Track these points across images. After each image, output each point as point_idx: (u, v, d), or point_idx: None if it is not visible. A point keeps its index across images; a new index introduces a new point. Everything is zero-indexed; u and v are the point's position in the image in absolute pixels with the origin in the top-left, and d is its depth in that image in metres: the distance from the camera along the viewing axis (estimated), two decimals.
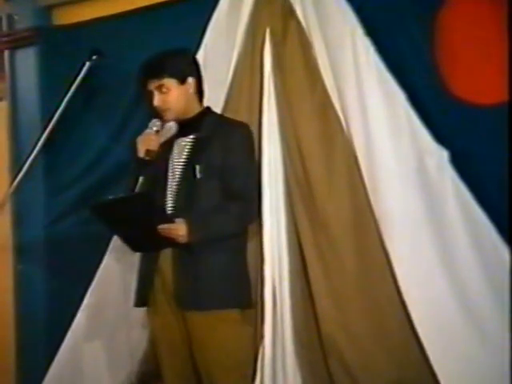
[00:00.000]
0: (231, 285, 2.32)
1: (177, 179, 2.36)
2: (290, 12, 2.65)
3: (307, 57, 2.62)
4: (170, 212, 2.33)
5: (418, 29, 2.49)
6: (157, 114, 2.43)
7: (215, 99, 2.62)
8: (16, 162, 3.32)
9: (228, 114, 2.60)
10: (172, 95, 2.37)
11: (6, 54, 3.38)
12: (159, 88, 2.36)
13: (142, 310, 2.81)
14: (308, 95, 2.60)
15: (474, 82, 2.43)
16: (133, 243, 2.37)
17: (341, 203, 2.52)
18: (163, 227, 2.23)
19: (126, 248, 2.84)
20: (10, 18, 3.37)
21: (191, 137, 2.40)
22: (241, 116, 2.59)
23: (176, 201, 2.34)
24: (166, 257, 2.32)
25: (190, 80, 2.40)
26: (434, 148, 2.44)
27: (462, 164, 2.41)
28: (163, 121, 2.41)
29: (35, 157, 3.10)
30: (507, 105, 2.34)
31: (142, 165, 2.36)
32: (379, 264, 2.47)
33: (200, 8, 2.78)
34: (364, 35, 2.52)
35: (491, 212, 2.36)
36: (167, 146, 2.42)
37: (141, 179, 2.32)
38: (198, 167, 2.31)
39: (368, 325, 2.49)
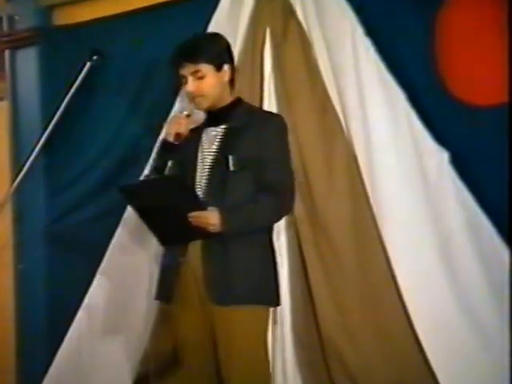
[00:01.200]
0: (264, 279, 2.26)
1: (207, 169, 2.27)
2: (290, 12, 2.65)
3: (307, 57, 2.61)
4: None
5: (418, 29, 2.48)
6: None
7: None
8: (16, 162, 3.32)
9: None
10: (207, 82, 2.26)
11: (7, 53, 3.38)
12: (194, 73, 2.25)
13: (142, 311, 2.84)
14: (308, 95, 2.60)
15: (475, 82, 2.42)
16: (161, 234, 2.28)
17: (340, 203, 2.52)
18: (194, 215, 2.14)
19: (126, 248, 2.89)
20: (10, 18, 3.37)
21: (222, 127, 2.30)
22: None
23: (206, 191, 2.24)
24: (196, 251, 2.24)
25: (226, 67, 2.30)
26: (434, 149, 2.43)
27: (462, 165, 2.41)
28: (199, 109, 2.33)
29: (36, 156, 3.10)
30: (507, 105, 2.33)
31: (169, 149, 2.27)
32: (379, 265, 2.46)
33: (200, 8, 2.78)
34: (364, 35, 2.51)
35: (491, 213, 2.36)
36: (195, 135, 2.33)
37: (170, 163, 2.23)
38: (231, 158, 2.22)
39: (368, 326, 2.48)
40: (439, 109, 2.45)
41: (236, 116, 2.31)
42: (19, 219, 3.35)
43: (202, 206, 2.18)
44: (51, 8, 3.30)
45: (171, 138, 2.29)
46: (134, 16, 3.02)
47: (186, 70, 2.27)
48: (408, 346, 2.42)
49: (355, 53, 2.51)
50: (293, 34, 2.64)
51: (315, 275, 2.53)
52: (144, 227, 2.76)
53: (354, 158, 2.52)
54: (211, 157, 2.28)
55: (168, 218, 2.19)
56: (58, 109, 3.04)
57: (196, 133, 2.35)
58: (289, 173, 2.30)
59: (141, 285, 2.85)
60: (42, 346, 3.19)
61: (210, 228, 2.16)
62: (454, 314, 2.37)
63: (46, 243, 3.28)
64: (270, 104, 2.65)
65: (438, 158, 2.43)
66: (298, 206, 2.57)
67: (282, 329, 2.57)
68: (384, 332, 2.46)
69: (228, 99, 2.33)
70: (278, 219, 2.35)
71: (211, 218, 2.16)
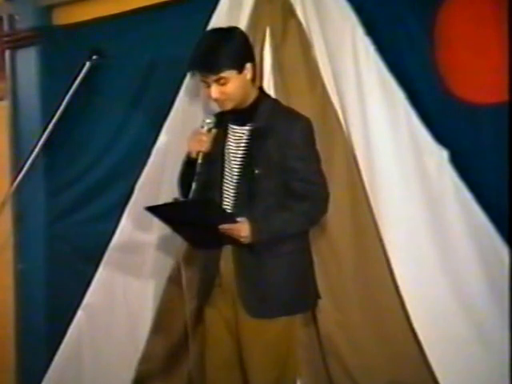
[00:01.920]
0: (299, 288, 2.23)
1: (235, 178, 2.22)
2: (290, 12, 2.65)
3: (307, 56, 2.61)
4: (228, 209, 2.21)
5: (418, 28, 2.48)
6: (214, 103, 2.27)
7: None
8: (17, 162, 3.33)
9: None
10: (231, 86, 2.18)
11: (7, 53, 3.39)
12: (217, 81, 2.17)
13: (141, 310, 2.84)
14: (308, 95, 2.60)
15: (474, 81, 2.42)
16: (192, 241, 2.29)
17: (340, 203, 2.51)
18: (225, 227, 2.12)
19: (126, 247, 2.89)
20: (10, 18, 3.38)
21: (247, 128, 2.24)
22: None
23: (235, 198, 2.21)
24: (226, 255, 2.22)
25: (248, 66, 2.21)
26: (433, 147, 2.43)
27: (461, 164, 2.41)
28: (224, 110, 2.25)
29: (36, 156, 3.11)
30: (507, 104, 2.34)
31: (193, 165, 2.21)
32: (378, 264, 2.47)
33: (200, 8, 2.78)
34: (364, 35, 2.51)
35: (491, 212, 2.36)
36: (222, 136, 2.27)
37: (194, 185, 2.18)
38: (257, 170, 2.17)
39: (367, 325, 2.48)
40: (439, 108, 2.45)
41: (261, 114, 2.23)
42: (19, 219, 3.36)
43: (232, 219, 2.15)
44: (51, 8, 3.31)
45: (194, 155, 2.24)
46: (133, 16, 3.02)
47: (208, 79, 2.19)
48: (407, 345, 2.42)
49: (355, 52, 2.51)
50: (293, 34, 2.64)
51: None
52: (143, 228, 2.79)
53: (353, 158, 2.53)
54: (238, 162, 2.23)
55: (199, 231, 2.19)
56: (57, 108, 3.05)
57: (221, 133, 2.29)
58: (321, 178, 2.24)
59: (140, 284, 2.85)
60: (42, 346, 3.20)
61: (242, 240, 2.14)
62: (453, 313, 2.37)
63: (46, 243, 3.29)
64: None
65: (437, 156, 2.43)
66: None
67: None
68: (383, 331, 2.47)
69: (252, 96, 2.26)
70: (311, 226, 2.30)
71: (242, 231, 2.13)
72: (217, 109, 2.31)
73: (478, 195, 2.38)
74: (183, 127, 2.65)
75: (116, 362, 2.88)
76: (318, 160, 2.26)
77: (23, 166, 3.11)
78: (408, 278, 2.42)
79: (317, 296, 2.33)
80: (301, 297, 2.25)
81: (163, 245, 2.80)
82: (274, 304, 2.18)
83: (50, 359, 2.99)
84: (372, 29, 2.53)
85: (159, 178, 2.75)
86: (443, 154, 2.43)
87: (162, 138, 2.79)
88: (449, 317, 2.37)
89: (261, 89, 2.33)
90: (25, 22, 3.32)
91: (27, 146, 3.21)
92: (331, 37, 2.57)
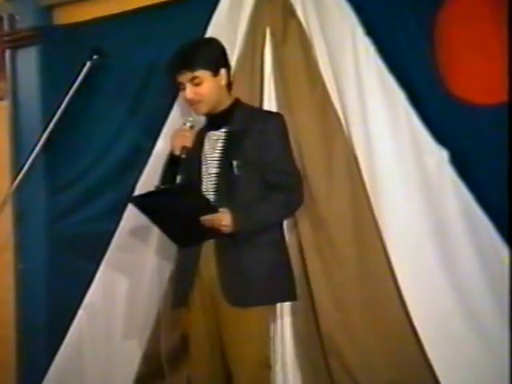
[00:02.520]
0: (278, 278, 2.29)
1: (213, 175, 2.30)
2: (290, 12, 2.65)
3: (307, 57, 2.62)
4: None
5: (418, 28, 2.48)
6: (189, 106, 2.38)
7: None
8: (17, 161, 3.32)
9: None
10: (205, 87, 2.29)
11: (7, 53, 3.38)
12: (192, 80, 2.28)
13: (143, 310, 2.85)
14: (308, 95, 2.61)
15: (474, 81, 2.43)
16: (175, 237, 2.33)
17: (340, 203, 2.52)
18: (207, 218, 2.19)
19: (127, 247, 2.90)
20: (11, 17, 3.37)
21: (223, 130, 2.34)
22: None
23: (214, 197, 2.27)
24: (207, 257, 2.28)
25: (223, 71, 2.33)
26: (433, 148, 2.44)
27: (461, 164, 2.41)
28: (198, 114, 2.37)
29: (36, 156, 3.10)
30: (507, 104, 2.34)
31: (177, 162, 2.31)
32: (379, 264, 2.47)
33: (201, 8, 2.78)
34: (364, 35, 2.52)
35: (491, 212, 2.37)
36: (197, 140, 2.37)
37: (179, 178, 2.27)
38: (235, 163, 2.25)
39: (368, 325, 2.49)
40: (439, 108, 2.46)
41: (236, 118, 2.33)
42: (20, 218, 3.35)
43: (213, 209, 2.21)
44: (51, 7, 3.31)
45: (178, 152, 2.32)
46: (134, 16, 3.02)
47: (184, 77, 2.30)
48: (407, 344, 2.43)
49: (355, 53, 2.52)
50: (293, 34, 2.65)
51: (315, 274, 2.54)
52: (144, 226, 2.79)
53: (354, 158, 2.53)
54: (215, 163, 2.31)
55: (181, 222, 2.23)
56: (58, 108, 3.04)
57: (198, 138, 2.37)
58: (294, 170, 2.36)
59: (142, 283, 2.85)
60: (43, 345, 3.19)
61: (223, 229, 2.20)
62: (454, 312, 2.37)
63: (47, 242, 3.28)
64: (270, 104, 2.66)
65: (437, 157, 2.43)
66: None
67: (282, 326, 2.58)
68: (383, 330, 2.47)
69: (227, 102, 2.36)
70: (289, 215, 2.41)
71: (223, 220, 2.20)
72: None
73: (477, 195, 2.39)
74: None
75: (117, 361, 2.89)
76: (291, 153, 2.37)
77: (23, 166, 3.11)
78: (408, 277, 2.43)
79: (294, 296, 2.37)
80: (279, 287, 2.30)
81: (164, 245, 2.79)
82: (254, 293, 2.24)
83: (51, 359, 2.99)
84: (372, 29, 2.53)
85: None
86: (443, 154, 2.43)
87: (160, 143, 2.80)
88: (449, 316, 2.38)
89: (237, 98, 2.41)
90: (25, 21, 3.31)
91: (27, 145, 3.20)
92: (331, 37, 2.58)
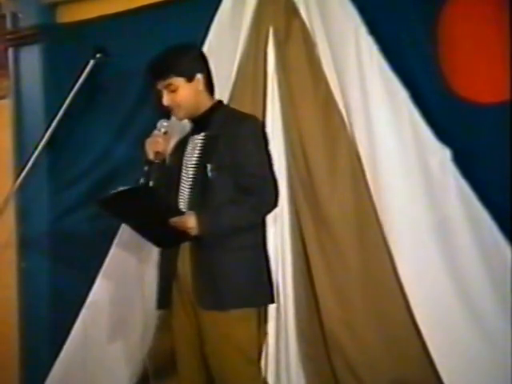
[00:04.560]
0: (251, 282, 2.26)
1: (190, 179, 2.32)
2: (293, 11, 2.66)
3: (310, 55, 2.63)
4: (183, 209, 2.29)
5: (421, 28, 2.49)
6: (166, 112, 2.41)
7: (219, 98, 2.61)
8: (20, 160, 3.32)
9: None
10: (181, 94, 2.32)
11: (10, 51, 3.38)
12: (167, 87, 2.32)
13: (145, 308, 2.84)
14: (311, 94, 2.61)
15: (477, 80, 2.44)
16: (151, 238, 2.34)
17: (344, 201, 2.53)
18: (173, 220, 2.19)
19: (129, 246, 2.90)
20: (14, 15, 3.37)
21: (202, 134, 2.35)
22: None
23: (189, 200, 2.30)
24: (183, 257, 2.29)
25: (199, 76, 2.34)
26: (436, 147, 2.45)
27: (464, 162, 2.42)
28: (178, 119, 2.39)
29: (39, 154, 3.10)
30: (510, 103, 2.35)
31: (152, 167, 2.32)
32: (382, 262, 2.48)
33: (204, 7, 2.79)
34: (367, 34, 2.53)
35: (493, 210, 2.38)
36: (182, 145, 2.40)
37: (150, 184, 2.28)
38: (209, 166, 2.26)
39: (371, 322, 2.50)
40: (441, 107, 2.47)
41: (214, 122, 2.34)
42: (22, 217, 3.36)
43: (176, 210, 2.24)
44: (54, 6, 3.30)
45: (151, 157, 2.34)
46: (137, 14, 3.02)
47: (160, 85, 2.34)
48: (410, 341, 2.44)
49: (358, 51, 2.53)
50: (296, 33, 2.66)
51: (318, 271, 2.55)
52: None
53: (357, 156, 2.54)
54: (192, 167, 2.33)
55: (151, 225, 2.26)
56: (61, 107, 3.04)
57: (183, 143, 2.40)
58: (264, 173, 2.29)
59: (145, 282, 2.85)
60: (46, 344, 3.19)
61: (189, 231, 2.21)
62: (456, 309, 2.39)
63: (49, 241, 3.28)
64: (273, 102, 2.66)
65: (440, 155, 2.44)
66: (302, 204, 2.59)
67: (285, 324, 2.59)
68: (386, 328, 2.48)
69: (208, 105, 2.37)
70: (258, 218, 2.32)
71: (188, 222, 2.20)
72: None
73: (480, 194, 2.40)
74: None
75: (120, 359, 2.89)
76: (263, 155, 2.31)
77: (26, 164, 3.10)
78: (411, 276, 2.44)
79: (269, 300, 2.33)
80: (253, 291, 2.27)
81: None
82: (225, 297, 2.22)
83: (55, 357, 2.99)
84: (375, 28, 2.54)
85: None
86: (446, 153, 2.44)
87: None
88: (452, 315, 2.39)
89: (219, 101, 2.42)
90: (28, 19, 3.31)
91: (30, 143, 3.21)
92: (334, 36, 2.59)
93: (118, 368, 2.90)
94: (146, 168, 2.35)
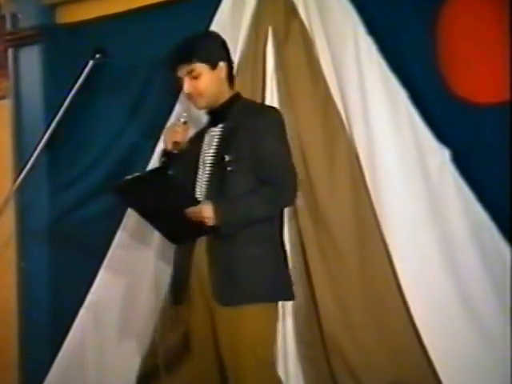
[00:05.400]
0: (269, 277, 2.20)
1: (207, 172, 2.27)
2: (292, 11, 2.66)
3: (309, 56, 2.62)
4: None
5: (420, 28, 2.49)
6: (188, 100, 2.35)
7: None
8: (19, 160, 3.32)
9: None
10: (203, 81, 2.27)
11: (10, 52, 3.38)
12: (189, 73, 2.27)
13: (145, 308, 2.85)
14: (310, 94, 2.61)
15: (476, 80, 2.43)
16: (167, 233, 2.30)
17: (342, 201, 2.53)
18: (189, 210, 2.14)
19: (128, 246, 2.90)
20: (13, 16, 3.37)
21: (220, 126, 2.31)
22: None
23: (207, 193, 2.24)
24: (200, 251, 2.24)
25: (222, 64, 2.30)
26: (435, 147, 2.44)
27: (463, 163, 2.42)
28: (198, 108, 2.35)
29: (38, 154, 3.10)
30: (509, 104, 2.34)
31: (169, 157, 2.29)
32: (380, 263, 2.48)
33: (203, 7, 2.78)
34: (366, 34, 2.52)
35: (493, 211, 2.37)
36: (199, 138, 2.36)
37: (170, 172, 2.23)
38: (227, 158, 2.21)
39: (370, 324, 2.50)
40: (441, 107, 2.46)
41: (233, 114, 2.30)
42: (22, 217, 3.36)
43: (192, 199, 2.19)
44: (54, 6, 3.30)
45: (169, 147, 2.31)
46: (137, 14, 3.02)
47: (182, 71, 2.29)
48: (409, 343, 2.43)
49: (357, 52, 2.52)
50: (295, 33, 2.66)
51: (317, 272, 2.54)
52: (146, 225, 2.79)
53: (355, 156, 2.54)
54: (210, 159, 2.28)
55: (167, 216, 2.20)
56: (60, 107, 3.05)
57: (201, 135, 2.36)
58: (285, 164, 2.25)
59: (144, 282, 2.86)
60: (45, 344, 3.19)
61: (206, 221, 2.16)
62: (455, 311, 2.38)
63: (49, 241, 3.28)
64: (272, 103, 2.66)
65: (439, 156, 2.44)
66: (300, 204, 2.58)
67: (284, 325, 2.58)
68: (385, 328, 2.48)
69: (226, 96, 2.33)
70: (277, 211, 2.28)
71: (205, 211, 2.15)
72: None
73: (479, 194, 2.39)
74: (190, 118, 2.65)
75: (119, 359, 2.89)
76: (284, 148, 2.27)
77: (26, 164, 3.11)
78: (410, 276, 2.43)
79: (289, 296, 2.30)
80: (272, 285, 2.22)
81: (165, 243, 2.79)
82: (241, 291, 2.17)
83: (53, 357, 2.99)
84: (374, 28, 2.54)
85: None
86: (445, 154, 2.43)
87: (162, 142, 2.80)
88: (451, 315, 2.38)
89: (238, 92, 2.37)
90: (28, 20, 3.31)
91: (30, 144, 3.21)
92: (333, 36, 2.58)
93: (116, 368, 2.90)
94: (163, 158, 2.32)
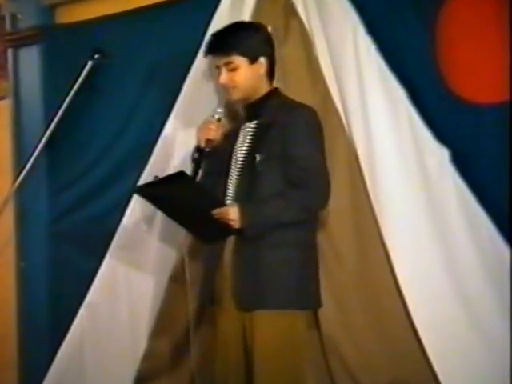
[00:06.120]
0: (296, 283, 2.14)
1: (238, 170, 2.21)
2: (291, 11, 2.65)
3: (309, 56, 2.62)
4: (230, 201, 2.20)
5: (420, 27, 2.48)
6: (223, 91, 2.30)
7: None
8: (19, 160, 3.33)
9: None
10: (240, 74, 2.19)
11: (10, 52, 3.40)
12: (227, 65, 2.19)
13: (144, 308, 2.85)
14: (309, 93, 2.60)
15: (476, 80, 2.42)
16: (196, 233, 2.29)
17: (341, 202, 2.51)
18: (215, 211, 2.10)
19: (128, 245, 2.90)
20: (13, 16, 3.39)
21: (255, 122, 2.24)
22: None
23: (236, 193, 2.20)
24: (228, 254, 2.20)
25: (262, 60, 2.22)
26: (434, 147, 2.43)
27: (462, 163, 2.41)
28: (232, 101, 2.28)
29: (38, 155, 3.11)
30: (509, 103, 2.33)
31: (202, 155, 2.24)
32: (379, 263, 2.47)
33: (202, 7, 2.78)
34: (365, 34, 2.52)
35: (492, 211, 2.36)
36: (234, 134, 2.30)
37: (200, 173, 2.21)
38: (258, 157, 2.15)
39: (369, 325, 2.49)
40: (440, 107, 2.45)
41: (268, 110, 2.23)
42: (21, 217, 3.37)
43: (217, 201, 2.16)
44: (54, 7, 3.32)
45: (202, 144, 2.26)
46: (136, 15, 3.02)
47: (219, 61, 2.22)
48: (408, 344, 2.42)
49: (356, 51, 2.51)
50: (294, 32, 2.65)
51: None
52: (146, 225, 2.80)
53: (354, 156, 2.53)
54: (242, 157, 2.23)
55: (194, 217, 2.18)
56: (60, 107, 3.05)
57: (234, 130, 2.32)
58: (315, 167, 2.17)
59: (144, 282, 2.86)
60: (44, 344, 3.20)
61: (232, 223, 2.11)
62: (454, 312, 2.37)
63: (48, 241, 3.29)
64: None
65: (438, 156, 2.42)
66: None
67: None
68: (384, 330, 2.47)
69: (263, 92, 2.25)
70: (306, 215, 2.18)
71: (231, 213, 2.11)
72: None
73: (479, 195, 2.38)
74: (190, 118, 2.65)
75: (118, 360, 2.89)
76: (317, 148, 2.21)
77: (25, 165, 3.11)
78: (409, 277, 2.42)
79: (318, 302, 2.26)
80: (297, 293, 2.16)
81: (166, 243, 2.81)
82: (266, 297, 2.12)
83: (52, 357, 2.99)
84: (373, 28, 2.52)
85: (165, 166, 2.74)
86: (444, 153, 2.42)
87: (161, 143, 2.80)
88: (450, 316, 2.37)
89: (276, 88, 2.31)
90: (27, 20, 3.33)
91: (29, 144, 3.22)
92: (333, 36, 2.58)
93: (115, 368, 2.90)
94: (195, 155, 2.27)
